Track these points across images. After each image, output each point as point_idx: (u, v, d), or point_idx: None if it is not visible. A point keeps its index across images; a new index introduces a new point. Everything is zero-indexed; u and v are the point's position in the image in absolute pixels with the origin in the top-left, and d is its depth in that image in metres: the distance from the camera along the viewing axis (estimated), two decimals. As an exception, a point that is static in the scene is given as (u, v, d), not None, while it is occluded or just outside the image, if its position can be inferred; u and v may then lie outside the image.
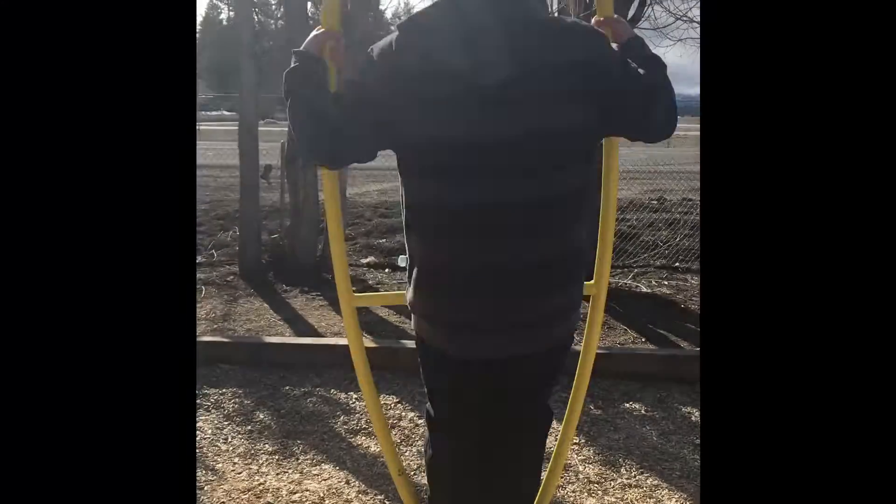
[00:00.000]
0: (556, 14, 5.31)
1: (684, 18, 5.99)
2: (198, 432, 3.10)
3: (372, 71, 1.58)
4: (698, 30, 6.31)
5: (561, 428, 2.21)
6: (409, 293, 1.72)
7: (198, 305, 4.77)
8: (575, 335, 1.82)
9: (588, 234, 1.69)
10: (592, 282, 2.03)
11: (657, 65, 1.64)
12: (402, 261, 1.86)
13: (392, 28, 1.56)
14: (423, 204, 1.61)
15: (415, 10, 1.59)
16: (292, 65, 1.69)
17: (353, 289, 2.10)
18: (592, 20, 1.80)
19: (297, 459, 2.93)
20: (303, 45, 1.78)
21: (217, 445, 3.03)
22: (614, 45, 1.72)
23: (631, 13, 5.51)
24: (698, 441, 3.08)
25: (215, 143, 15.32)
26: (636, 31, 5.70)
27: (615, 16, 1.82)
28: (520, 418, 1.83)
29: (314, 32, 1.82)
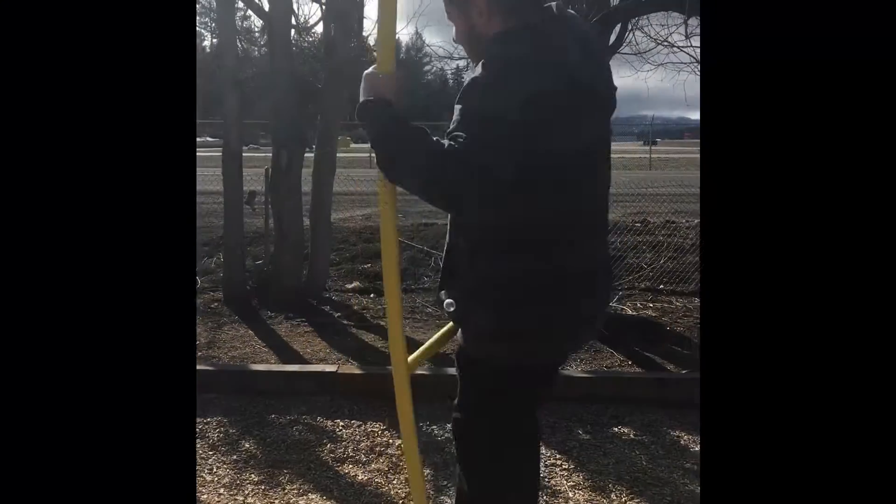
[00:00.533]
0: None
1: (665, 44, 6.06)
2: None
3: (504, 92, 1.49)
4: (679, 55, 6.40)
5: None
6: (506, 324, 1.68)
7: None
8: None
9: None
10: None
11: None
12: (449, 305, 1.75)
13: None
14: (541, 215, 1.61)
15: (513, 33, 1.61)
16: (383, 121, 1.58)
17: (356, 325, 2.05)
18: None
19: (284, 489, 2.89)
20: (371, 94, 1.62)
21: (202, 476, 2.98)
22: None
23: (612, 38, 5.58)
24: (688, 465, 3.07)
25: (198, 170, 15.28)
26: (618, 55, 5.78)
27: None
28: None
29: (375, 77, 1.64)
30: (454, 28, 1.74)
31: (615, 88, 1.76)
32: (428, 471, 3.01)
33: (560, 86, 1.53)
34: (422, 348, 1.94)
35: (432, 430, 3.42)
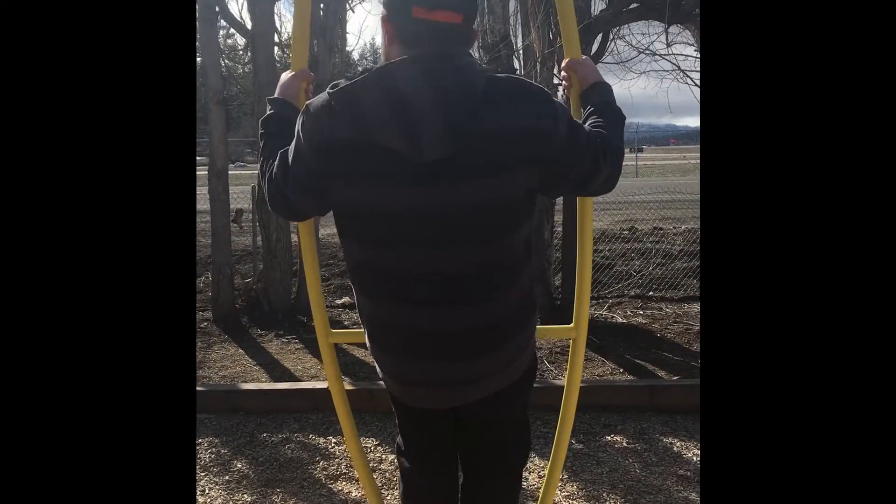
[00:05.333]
0: (501, 73, 5.29)
1: (646, 52, 6.10)
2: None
3: (305, 131, 1.52)
4: (661, 63, 6.44)
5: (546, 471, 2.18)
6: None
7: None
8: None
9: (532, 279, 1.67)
10: (571, 325, 1.98)
11: (614, 119, 1.67)
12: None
13: (348, 78, 1.50)
14: (365, 265, 1.60)
15: (351, 75, 1.52)
16: (267, 112, 1.72)
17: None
18: (566, 61, 1.82)
19: (277, 509, 2.87)
20: (277, 91, 1.79)
21: (194, 498, 2.96)
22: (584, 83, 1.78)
23: (594, 48, 5.61)
24: (681, 472, 3.07)
25: (185, 189, 15.22)
26: (601, 64, 5.81)
27: (583, 57, 1.82)
28: None
29: (286, 76, 1.82)
30: None
31: (452, 153, 1.44)
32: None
33: (345, 142, 1.47)
34: (355, 330, 2.06)
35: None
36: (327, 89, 1.50)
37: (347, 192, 1.51)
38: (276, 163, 1.60)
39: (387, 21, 1.52)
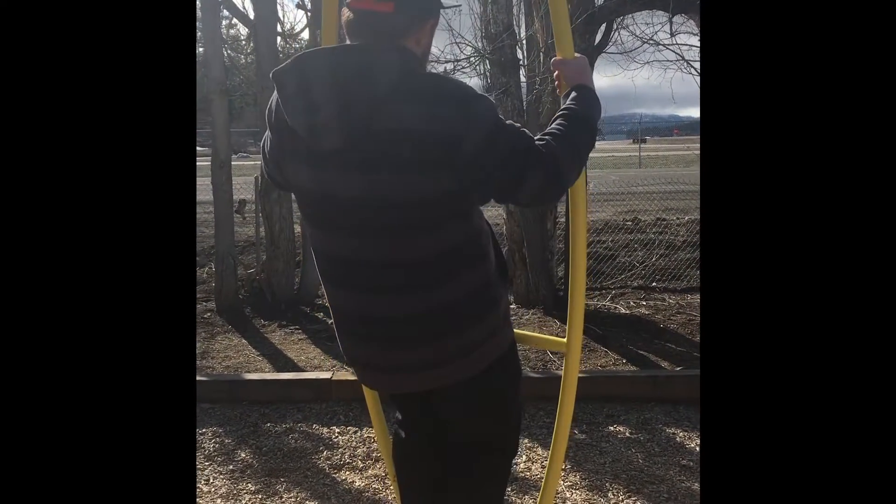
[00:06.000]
0: (443, 72, 5.14)
1: (650, 42, 6.07)
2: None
3: (267, 107, 1.63)
4: (665, 53, 6.42)
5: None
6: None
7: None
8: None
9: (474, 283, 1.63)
10: (564, 340, 1.92)
11: (571, 128, 1.58)
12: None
13: None
14: (311, 243, 1.71)
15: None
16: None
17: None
18: (552, 60, 1.81)
19: (281, 498, 2.88)
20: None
21: (198, 487, 2.97)
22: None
23: (598, 38, 5.59)
24: (684, 462, 3.08)
25: (188, 179, 15.22)
26: (604, 54, 5.78)
27: (575, 56, 1.78)
28: None
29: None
30: None
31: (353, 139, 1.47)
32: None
33: (279, 124, 1.58)
34: None
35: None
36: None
37: (288, 168, 1.62)
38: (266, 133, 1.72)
39: (342, 13, 1.58)
